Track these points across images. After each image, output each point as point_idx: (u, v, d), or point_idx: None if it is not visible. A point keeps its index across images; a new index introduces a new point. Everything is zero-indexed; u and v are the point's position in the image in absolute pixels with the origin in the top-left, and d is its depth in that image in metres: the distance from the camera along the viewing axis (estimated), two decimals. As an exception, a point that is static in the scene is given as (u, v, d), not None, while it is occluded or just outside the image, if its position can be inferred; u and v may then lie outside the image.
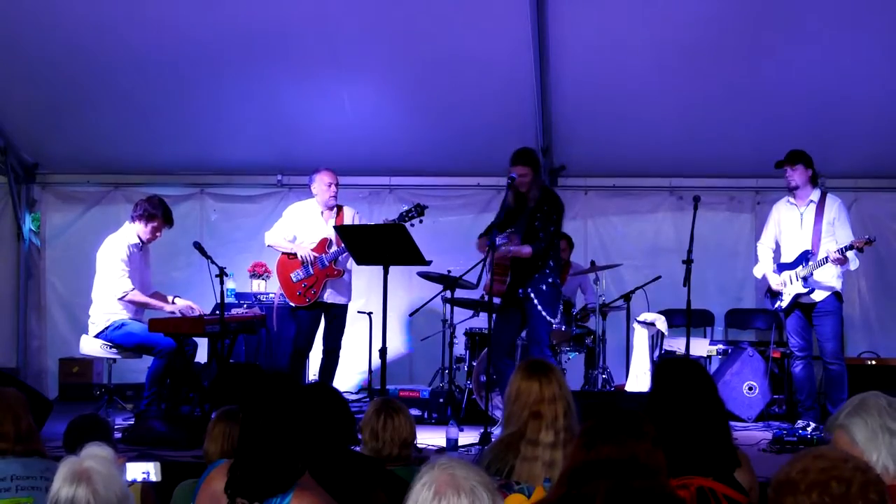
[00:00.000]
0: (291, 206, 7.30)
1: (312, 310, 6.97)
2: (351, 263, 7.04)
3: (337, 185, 7.06)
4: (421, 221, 6.72)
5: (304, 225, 7.08)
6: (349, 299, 7.18)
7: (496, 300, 6.46)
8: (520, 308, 6.29)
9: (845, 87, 7.21)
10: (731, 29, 6.84)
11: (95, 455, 2.61)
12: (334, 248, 6.95)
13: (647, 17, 6.83)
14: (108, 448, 2.68)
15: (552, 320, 6.26)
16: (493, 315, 6.54)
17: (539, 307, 6.19)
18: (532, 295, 6.21)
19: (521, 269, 6.19)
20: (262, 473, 2.57)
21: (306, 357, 7.23)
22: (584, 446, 2.47)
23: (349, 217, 7.14)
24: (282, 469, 2.58)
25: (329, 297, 6.98)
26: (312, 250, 6.95)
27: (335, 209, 7.12)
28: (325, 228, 7.06)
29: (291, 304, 7.03)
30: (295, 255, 6.97)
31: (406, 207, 6.75)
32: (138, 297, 6.64)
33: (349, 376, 8.13)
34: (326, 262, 6.92)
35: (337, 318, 7.07)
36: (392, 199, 8.53)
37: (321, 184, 7.03)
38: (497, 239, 6.01)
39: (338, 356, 7.11)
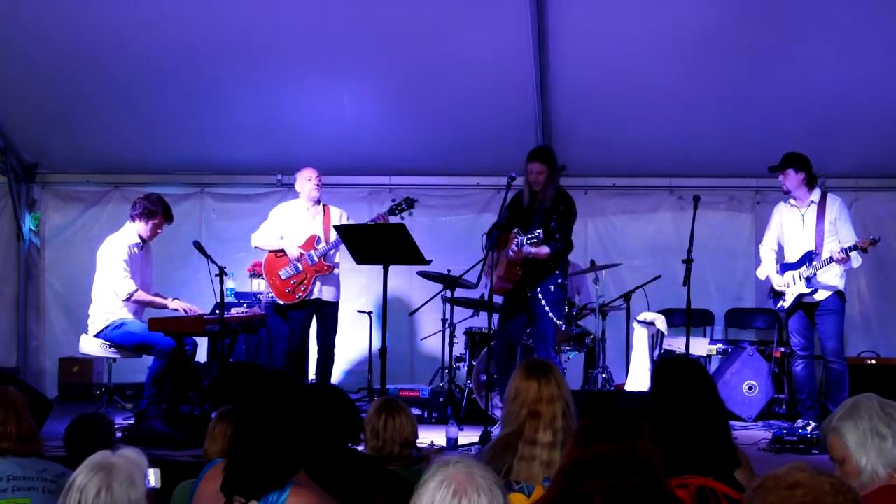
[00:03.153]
0: (277, 207, 7.33)
1: (304, 308, 6.99)
2: (339, 257, 7.07)
3: (319, 178, 7.11)
4: (411, 214, 6.84)
5: (290, 224, 7.11)
6: (339, 296, 7.18)
7: (497, 298, 6.46)
8: (526, 308, 6.30)
9: (845, 86, 7.21)
10: (732, 29, 6.84)
11: (127, 455, 2.60)
12: (322, 245, 6.97)
13: (647, 18, 6.83)
14: (143, 456, 2.66)
15: (559, 322, 6.27)
16: (498, 314, 6.55)
17: (546, 308, 6.20)
18: (540, 295, 6.21)
19: (533, 269, 6.19)
20: (257, 471, 2.57)
21: (303, 357, 7.22)
22: (581, 444, 2.46)
23: (336, 216, 7.17)
24: (276, 466, 2.58)
25: (319, 293, 7.00)
26: (300, 248, 6.97)
27: (321, 207, 7.14)
28: (312, 226, 7.08)
29: (281, 302, 7.04)
30: (283, 252, 6.98)
31: (396, 200, 6.86)
32: (143, 296, 6.65)
33: (349, 376, 8.13)
34: (315, 259, 6.94)
35: (329, 317, 7.09)
36: (392, 199, 8.52)
37: (303, 179, 7.10)
38: (521, 239, 5.99)
39: (333, 355, 7.12)
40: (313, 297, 6.99)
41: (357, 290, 8.43)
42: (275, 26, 7.06)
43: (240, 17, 6.99)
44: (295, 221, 7.11)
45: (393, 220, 6.84)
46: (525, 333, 6.63)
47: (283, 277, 6.97)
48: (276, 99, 7.72)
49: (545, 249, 6.10)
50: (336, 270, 7.11)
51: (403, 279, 8.17)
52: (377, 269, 6.52)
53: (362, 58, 7.37)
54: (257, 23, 7.03)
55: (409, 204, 6.83)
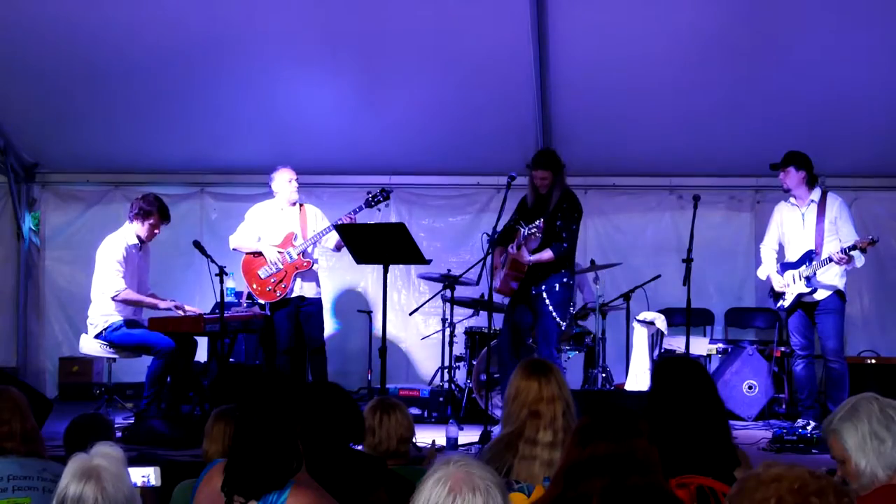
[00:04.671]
0: (252, 208, 7.30)
1: (287, 307, 7.00)
2: (317, 254, 7.13)
3: (297, 180, 7.11)
4: (387, 206, 6.99)
5: (267, 224, 7.11)
6: (320, 292, 7.19)
7: (498, 298, 6.46)
8: (531, 306, 6.29)
9: (845, 86, 7.21)
10: (732, 29, 6.84)
11: (105, 453, 2.60)
12: (300, 241, 6.99)
13: (647, 18, 6.83)
14: (118, 447, 2.67)
15: (562, 322, 6.26)
16: (502, 313, 6.55)
17: (550, 307, 6.20)
18: (545, 294, 6.21)
19: (539, 267, 6.19)
20: (257, 471, 2.57)
21: (299, 355, 7.20)
22: (580, 444, 2.46)
23: (312, 215, 7.20)
24: (276, 466, 2.58)
25: (300, 290, 7.01)
26: (278, 247, 6.98)
27: (297, 205, 7.17)
28: (289, 223, 7.09)
29: (262, 301, 7.05)
30: (261, 253, 6.99)
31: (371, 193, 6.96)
32: (131, 295, 6.62)
33: (349, 376, 8.13)
34: (294, 256, 6.95)
35: (313, 315, 7.09)
36: (392, 199, 8.50)
37: (283, 181, 7.08)
38: (524, 231, 6.00)
39: (324, 353, 7.13)
40: (294, 294, 7.00)
41: (357, 289, 8.44)
42: (274, 26, 7.06)
43: (239, 17, 6.99)
44: (271, 221, 7.12)
45: (371, 212, 6.90)
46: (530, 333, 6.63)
47: (262, 277, 6.99)
48: (275, 99, 7.73)
49: (547, 254, 6.10)
50: (315, 266, 7.12)
51: (403, 279, 8.17)
52: (377, 269, 6.53)
53: (362, 57, 7.37)
54: (257, 23, 7.03)
55: (385, 196, 6.92)
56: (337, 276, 8.29)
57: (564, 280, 6.26)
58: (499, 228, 6.21)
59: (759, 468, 2.02)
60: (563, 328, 6.34)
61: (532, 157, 6.44)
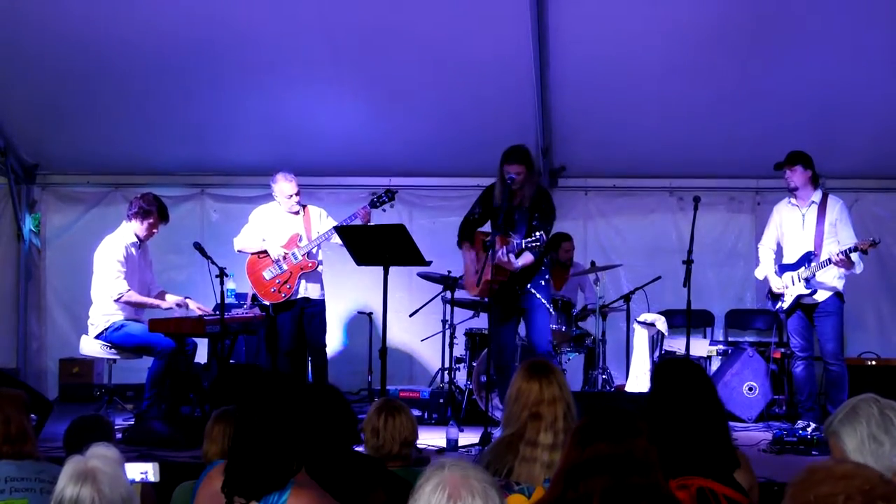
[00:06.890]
0: (256, 209, 7.29)
1: (291, 308, 7.00)
2: (321, 255, 7.12)
3: (298, 192, 7.06)
4: (392, 206, 6.99)
5: (271, 226, 7.11)
6: (324, 294, 7.18)
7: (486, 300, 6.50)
8: (516, 306, 6.31)
9: (846, 87, 7.21)
10: (732, 30, 6.84)
11: (101, 455, 2.60)
12: (305, 242, 6.99)
13: (648, 18, 6.84)
14: (114, 448, 2.68)
15: (553, 313, 6.41)
16: (493, 315, 6.56)
17: (542, 300, 6.28)
18: (533, 290, 6.26)
19: (523, 270, 6.21)
20: (257, 471, 2.58)
21: (300, 357, 7.19)
22: (579, 445, 2.45)
23: (315, 215, 7.19)
24: (275, 467, 2.58)
25: (304, 291, 7.02)
26: (283, 247, 6.98)
27: (300, 207, 7.17)
28: (294, 225, 7.09)
29: (266, 302, 7.05)
30: (265, 253, 6.99)
31: (376, 194, 7.00)
32: (134, 297, 6.63)
33: (349, 377, 8.13)
34: (299, 257, 6.96)
35: (316, 316, 7.09)
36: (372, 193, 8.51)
37: (282, 194, 7.05)
38: (517, 241, 6.01)
39: (325, 355, 7.12)
40: (298, 295, 7.00)
41: (357, 290, 8.43)
42: (276, 27, 7.06)
43: (241, 18, 6.99)
44: (276, 222, 7.12)
45: (375, 213, 6.91)
46: (520, 336, 6.64)
47: (267, 278, 6.99)
48: (276, 100, 7.73)
49: (528, 257, 6.10)
50: (320, 268, 7.12)
51: (403, 280, 8.17)
52: (377, 270, 6.52)
53: (362, 58, 7.37)
54: (258, 24, 7.03)
55: (390, 196, 6.97)
56: (338, 277, 8.28)
57: (547, 277, 6.39)
58: (493, 228, 6.21)
59: (829, 461, 2.02)
60: (552, 313, 6.47)
61: (504, 152, 6.17)
